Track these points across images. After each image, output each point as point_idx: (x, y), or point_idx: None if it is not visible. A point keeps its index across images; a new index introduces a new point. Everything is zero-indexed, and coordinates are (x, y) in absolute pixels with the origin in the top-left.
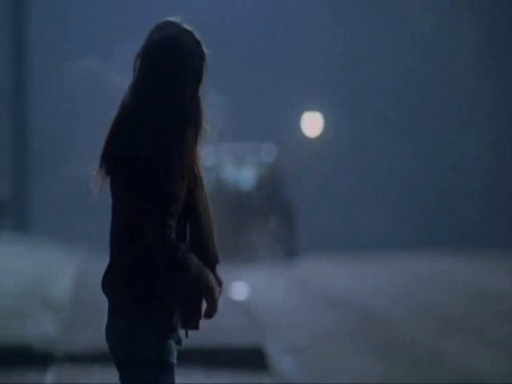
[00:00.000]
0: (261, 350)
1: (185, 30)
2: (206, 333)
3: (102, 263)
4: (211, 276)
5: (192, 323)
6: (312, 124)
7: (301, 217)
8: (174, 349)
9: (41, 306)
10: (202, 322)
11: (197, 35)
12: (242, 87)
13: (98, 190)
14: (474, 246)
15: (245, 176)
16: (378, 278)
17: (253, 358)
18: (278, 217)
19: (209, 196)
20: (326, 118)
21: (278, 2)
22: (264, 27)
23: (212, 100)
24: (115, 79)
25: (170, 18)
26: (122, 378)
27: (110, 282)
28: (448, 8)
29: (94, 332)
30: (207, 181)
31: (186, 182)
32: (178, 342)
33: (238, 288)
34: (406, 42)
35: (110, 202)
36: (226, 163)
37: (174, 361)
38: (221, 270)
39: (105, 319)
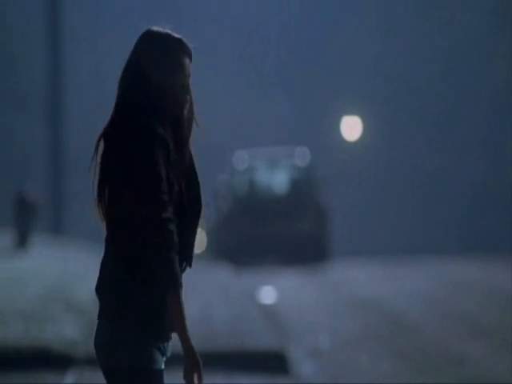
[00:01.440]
0: (282, 353)
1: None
2: (229, 336)
3: None
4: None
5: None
6: (351, 128)
7: (334, 221)
8: (159, 355)
9: (64, 308)
10: (226, 326)
11: (172, 35)
12: (283, 92)
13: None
14: (507, 253)
15: (278, 179)
16: (410, 283)
17: (274, 362)
18: (310, 220)
19: (242, 198)
20: (364, 121)
21: (321, 9)
22: (305, 35)
23: (254, 105)
24: None
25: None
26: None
27: (101, 284)
28: (488, 12)
29: None
30: (240, 184)
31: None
32: (164, 352)
33: (265, 292)
34: (445, 47)
35: None
36: (260, 166)
37: (160, 367)
38: (251, 273)
39: None
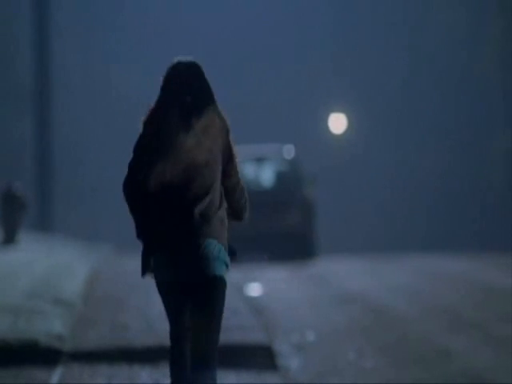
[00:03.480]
0: (269, 348)
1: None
2: None
3: (117, 262)
4: None
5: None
6: (337, 123)
7: (321, 216)
8: None
9: (51, 303)
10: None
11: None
12: (276, 92)
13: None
14: (492, 249)
15: (264, 175)
16: (396, 277)
17: (261, 357)
18: (297, 216)
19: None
20: (349, 118)
21: (310, 16)
22: (296, 41)
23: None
24: (136, 84)
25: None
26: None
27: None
28: (471, 11)
29: (101, 330)
30: None
31: None
32: None
33: (252, 287)
34: (428, 49)
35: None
36: (246, 162)
37: None
38: (237, 268)
39: (113, 318)
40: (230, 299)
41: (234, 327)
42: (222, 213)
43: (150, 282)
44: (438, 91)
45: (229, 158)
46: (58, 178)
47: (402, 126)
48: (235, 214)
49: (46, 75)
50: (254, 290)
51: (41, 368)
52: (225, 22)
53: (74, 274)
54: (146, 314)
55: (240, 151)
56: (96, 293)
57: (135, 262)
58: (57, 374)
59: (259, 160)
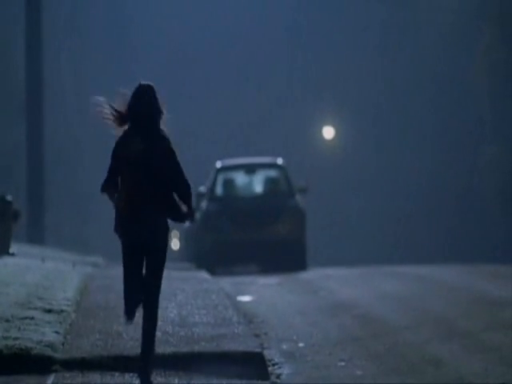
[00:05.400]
0: (261, 355)
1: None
2: (207, 339)
3: (109, 270)
4: None
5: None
6: (328, 133)
7: (312, 226)
8: None
9: (43, 312)
10: (205, 329)
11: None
12: (278, 109)
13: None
14: (476, 258)
15: (255, 182)
16: (385, 286)
17: (253, 364)
18: (288, 222)
19: (218, 203)
20: (336, 130)
21: (307, 34)
22: (291, 65)
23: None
24: (128, 91)
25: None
26: (160, 259)
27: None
28: (460, 17)
29: (94, 338)
30: (218, 188)
31: None
32: None
33: (242, 295)
34: (412, 54)
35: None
36: (238, 169)
37: None
38: (229, 277)
39: (105, 326)
40: (222, 307)
41: (226, 335)
42: (170, 200)
43: None
44: (424, 98)
45: (173, 163)
46: (50, 189)
47: (388, 132)
48: (183, 201)
49: (39, 83)
50: (246, 298)
51: (33, 376)
52: (223, 38)
53: (66, 283)
54: (138, 322)
55: (233, 161)
56: (88, 301)
57: None
58: (49, 382)
59: (251, 169)
